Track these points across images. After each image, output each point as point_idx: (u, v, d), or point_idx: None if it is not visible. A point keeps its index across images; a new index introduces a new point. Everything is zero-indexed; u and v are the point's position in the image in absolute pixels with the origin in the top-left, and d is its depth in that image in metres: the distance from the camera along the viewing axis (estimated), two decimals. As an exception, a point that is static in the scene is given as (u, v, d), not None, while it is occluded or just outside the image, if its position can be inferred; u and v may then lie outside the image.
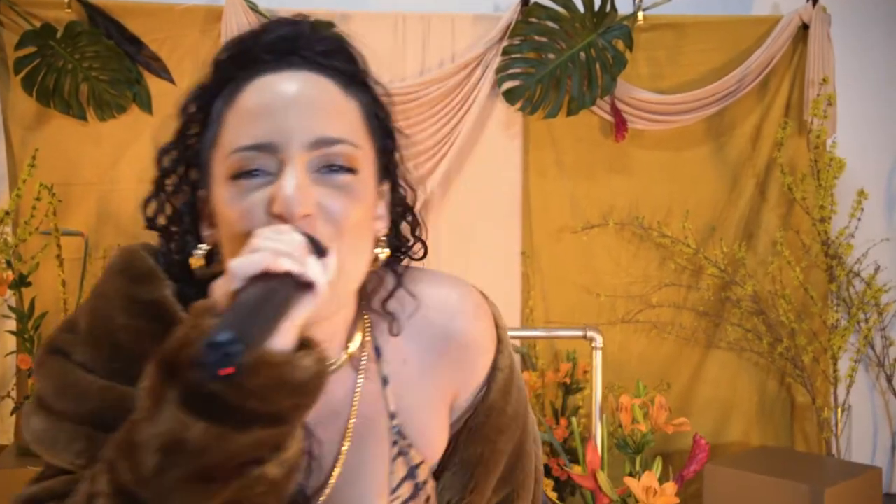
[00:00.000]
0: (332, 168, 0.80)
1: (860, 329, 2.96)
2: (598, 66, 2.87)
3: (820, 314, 2.94)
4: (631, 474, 1.91)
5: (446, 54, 2.95)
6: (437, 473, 0.95)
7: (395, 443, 0.90)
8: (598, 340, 2.09)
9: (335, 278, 0.77)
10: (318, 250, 0.74)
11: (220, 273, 0.73)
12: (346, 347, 0.89)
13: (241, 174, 0.79)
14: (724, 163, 3.08)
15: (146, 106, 2.85)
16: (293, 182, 0.76)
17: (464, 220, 2.98)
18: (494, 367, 0.95)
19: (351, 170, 0.81)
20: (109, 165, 2.88)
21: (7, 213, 2.62)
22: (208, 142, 0.84)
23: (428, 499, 0.93)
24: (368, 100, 0.88)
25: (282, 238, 0.72)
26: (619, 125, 2.94)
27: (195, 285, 0.82)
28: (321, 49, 0.85)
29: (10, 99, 2.85)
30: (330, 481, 0.89)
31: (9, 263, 2.64)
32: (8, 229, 2.69)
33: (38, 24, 2.77)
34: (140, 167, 2.78)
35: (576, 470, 1.92)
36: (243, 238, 0.74)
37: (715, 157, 3.08)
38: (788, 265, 2.91)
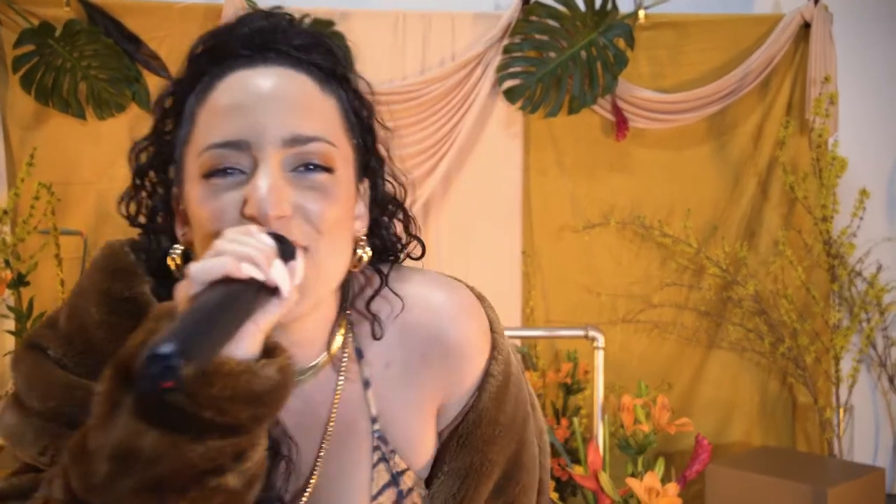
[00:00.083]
0: (307, 167, 0.77)
1: (862, 329, 2.95)
2: (599, 64, 2.86)
3: (822, 314, 2.93)
4: (633, 475, 1.90)
5: (447, 53, 2.94)
6: (428, 482, 0.92)
7: (376, 448, 0.88)
8: (600, 340, 2.08)
9: (311, 279, 0.76)
10: (286, 253, 0.72)
11: None
12: (328, 348, 0.87)
13: (213, 173, 0.76)
14: (726, 162, 3.07)
15: (145, 104, 2.84)
16: (267, 182, 0.74)
17: (464, 219, 2.97)
18: (486, 374, 0.90)
19: (327, 169, 0.78)
20: (108, 164, 2.87)
21: (5, 212, 2.61)
22: (181, 139, 0.82)
23: None
24: (347, 96, 0.85)
25: (247, 241, 0.69)
26: (620, 124, 2.94)
27: (174, 283, 0.81)
28: (298, 43, 0.82)
29: (9, 98, 2.84)
30: (308, 487, 0.87)
31: (7, 263, 2.63)
32: (6, 228, 2.68)
33: (36, 22, 2.76)
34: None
35: (577, 470, 1.91)
36: (214, 239, 0.72)
37: (716, 156, 3.07)
38: (790, 265, 2.90)
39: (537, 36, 2.88)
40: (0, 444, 0.87)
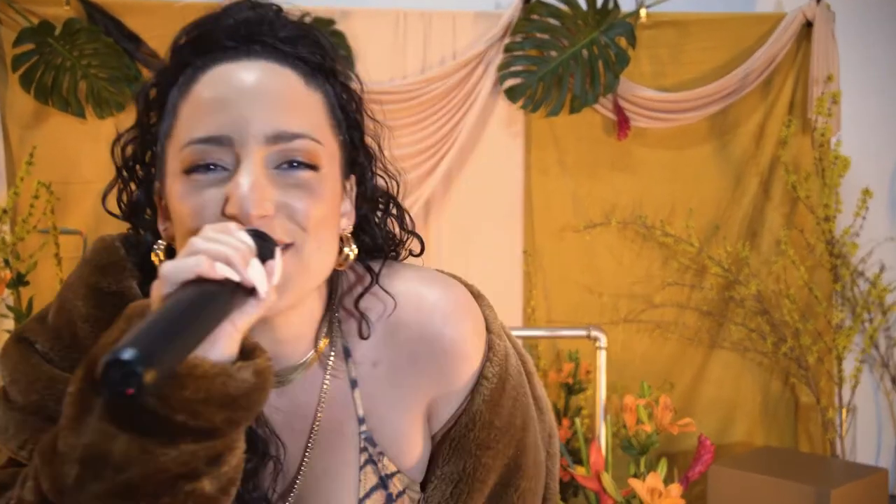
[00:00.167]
0: (291, 164, 0.75)
1: (865, 329, 2.94)
2: (600, 63, 2.85)
3: (824, 314, 2.92)
4: (635, 475, 1.89)
5: (447, 52, 2.93)
6: (423, 485, 0.89)
7: (363, 449, 0.85)
8: (602, 340, 2.07)
9: (296, 276, 0.74)
10: (265, 252, 0.70)
11: None
12: (315, 347, 0.85)
13: (194, 168, 0.75)
14: (728, 161, 3.06)
15: (145, 104, 2.83)
16: (249, 180, 0.72)
17: (465, 218, 2.96)
18: (480, 376, 0.86)
19: (312, 166, 0.76)
20: (108, 164, 2.82)
21: (5, 211, 2.60)
22: (163, 132, 0.80)
23: None
24: (334, 90, 0.82)
25: (225, 239, 0.67)
26: (622, 123, 2.93)
27: None
28: (284, 35, 0.80)
29: (8, 96, 2.83)
30: (294, 488, 0.85)
31: (7, 262, 2.62)
32: (6, 228, 2.67)
33: (36, 21, 2.75)
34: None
35: (579, 471, 1.90)
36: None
37: (718, 155, 3.06)
38: (792, 264, 2.89)
39: (538, 35, 2.87)
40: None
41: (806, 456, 2.97)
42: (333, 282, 0.86)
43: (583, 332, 2.13)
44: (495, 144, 2.97)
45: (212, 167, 0.75)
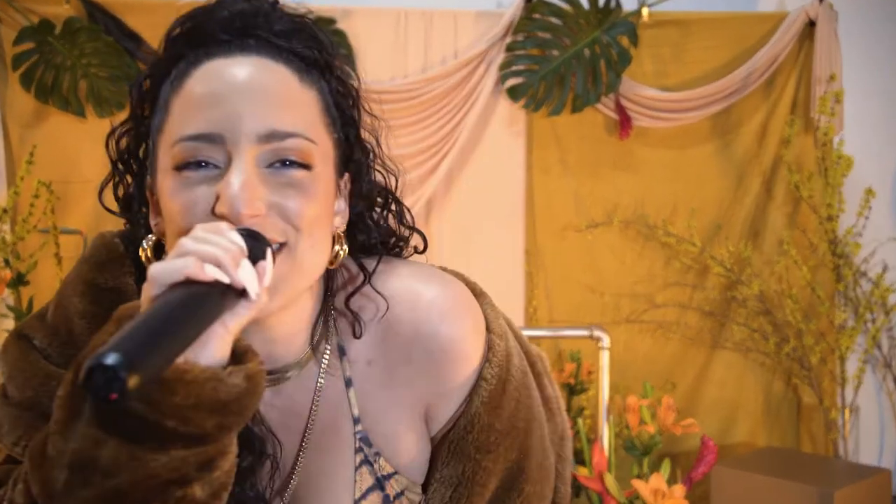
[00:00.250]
0: (284, 163, 0.74)
1: (867, 329, 2.93)
2: (602, 62, 2.84)
3: (827, 314, 2.91)
4: (638, 476, 1.88)
5: (448, 51, 2.92)
6: (425, 487, 0.87)
7: (358, 450, 0.84)
8: (605, 340, 2.06)
9: (288, 276, 0.73)
10: (256, 253, 0.68)
11: None
12: (311, 344, 0.83)
13: (185, 165, 0.73)
14: (730, 161, 3.05)
15: (146, 103, 2.82)
16: (240, 179, 0.71)
17: (466, 218, 2.95)
18: (479, 377, 0.83)
19: (304, 165, 0.75)
20: (108, 163, 2.84)
21: (5, 210, 2.59)
22: (155, 127, 0.79)
23: None
24: (329, 87, 0.80)
25: (215, 240, 0.65)
26: (624, 123, 2.92)
27: None
28: (280, 29, 0.78)
29: (8, 95, 2.83)
30: (289, 487, 0.84)
31: (7, 262, 2.61)
32: (6, 227, 2.66)
33: (36, 20, 2.74)
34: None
35: (582, 472, 1.89)
36: (184, 236, 0.69)
37: (720, 155, 3.05)
38: (795, 264, 2.88)
39: (540, 34, 2.87)
40: None
41: (808, 457, 2.96)
42: (329, 279, 0.85)
43: (585, 332, 2.12)
44: (497, 144, 2.97)
45: (203, 164, 0.73)
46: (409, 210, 0.90)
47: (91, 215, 2.84)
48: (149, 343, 0.56)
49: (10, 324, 2.71)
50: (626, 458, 2.00)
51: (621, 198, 3.02)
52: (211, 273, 0.63)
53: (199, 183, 0.73)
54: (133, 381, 0.53)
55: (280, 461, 0.84)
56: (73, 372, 0.66)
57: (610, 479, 1.82)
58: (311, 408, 0.83)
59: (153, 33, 2.82)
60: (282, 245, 0.74)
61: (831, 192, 2.83)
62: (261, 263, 0.68)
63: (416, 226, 0.91)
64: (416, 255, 0.92)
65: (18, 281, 2.62)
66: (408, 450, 0.85)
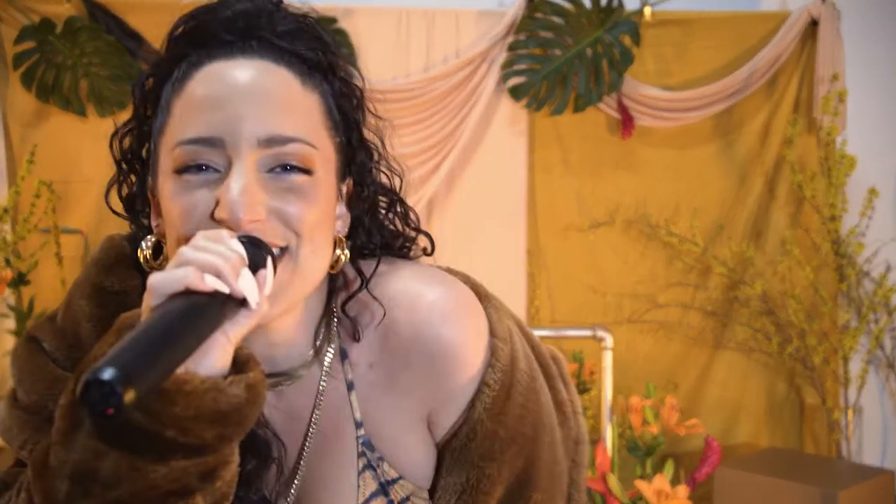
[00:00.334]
0: (285, 168, 0.73)
1: (871, 330, 2.92)
2: (604, 62, 2.83)
3: (830, 314, 2.90)
4: (641, 477, 1.87)
5: (450, 50, 2.92)
6: (431, 492, 0.86)
7: (361, 454, 0.83)
8: (608, 340, 2.05)
9: (289, 282, 0.73)
10: (256, 262, 0.68)
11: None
12: (314, 347, 0.83)
13: (186, 168, 0.73)
14: (733, 160, 3.04)
15: (147, 102, 2.82)
16: (240, 184, 0.70)
17: (468, 218, 2.95)
18: (482, 383, 0.81)
19: (305, 170, 0.74)
20: (110, 162, 2.83)
21: (6, 210, 2.59)
22: (157, 129, 0.78)
23: None
24: (332, 89, 0.79)
25: (215, 249, 0.65)
26: (626, 122, 2.91)
27: None
28: (283, 29, 0.77)
29: (9, 95, 2.82)
30: (291, 491, 0.84)
31: (7, 261, 2.61)
32: (7, 227, 2.66)
33: (37, 19, 2.74)
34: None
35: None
36: (183, 241, 0.68)
37: (723, 154, 3.04)
38: (798, 264, 2.87)
39: (542, 33, 2.86)
40: (0, 446, 0.86)
41: (811, 457, 2.95)
42: (331, 282, 0.84)
43: (588, 333, 2.11)
44: (499, 143, 2.96)
45: (203, 168, 0.73)
46: (413, 211, 0.89)
47: (92, 215, 2.84)
48: (147, 356, 0.55)
49: (10, 324, 2.70)
50: (629, 458, 1.99)
51: (623, 197, 3.01)
52: (211, 283, 0.63)
53: (199, 187, 0.72)
54: (130, 396, 0.52)
55: (285, 464, 0.83)
56: (73, 382, 0.65)
57: (613, 480, 1.81)
58: (314, 411, 0.83)
59: (154, 33, 2.82)
60: (283, 249, 0.73)
61: (834, 192, 2.82)
62: (261, 272, 0.68)
63: (420, 224, 0.90)
64: (423, 257, 0.91)
65: (19, 280, 2.62)
66: (410, 455, 0.84)
